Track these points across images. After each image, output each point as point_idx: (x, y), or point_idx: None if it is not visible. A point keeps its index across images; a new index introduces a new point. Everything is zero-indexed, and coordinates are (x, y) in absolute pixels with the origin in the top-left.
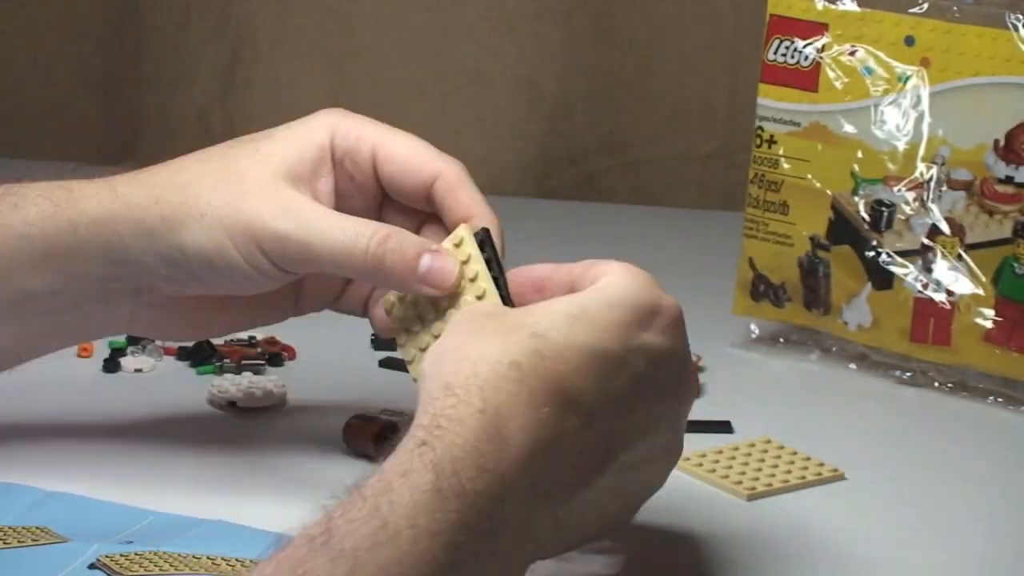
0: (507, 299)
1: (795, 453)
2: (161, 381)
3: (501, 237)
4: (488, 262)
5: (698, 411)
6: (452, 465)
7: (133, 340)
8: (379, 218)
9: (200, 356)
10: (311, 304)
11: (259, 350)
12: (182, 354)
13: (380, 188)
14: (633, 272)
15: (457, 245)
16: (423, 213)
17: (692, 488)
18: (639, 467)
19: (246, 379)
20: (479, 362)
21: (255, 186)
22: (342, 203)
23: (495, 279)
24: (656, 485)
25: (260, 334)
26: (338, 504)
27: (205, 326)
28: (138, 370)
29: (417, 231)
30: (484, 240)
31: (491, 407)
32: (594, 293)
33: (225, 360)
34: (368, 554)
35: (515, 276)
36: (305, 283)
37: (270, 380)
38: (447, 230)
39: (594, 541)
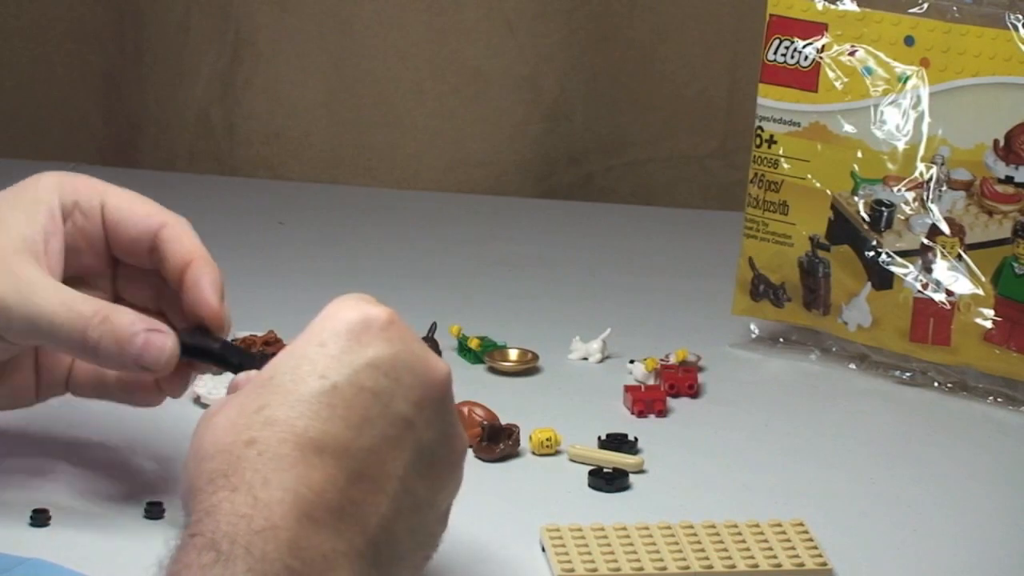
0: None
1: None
2: None
3: (219, 287)
4: (214, 353)
5: (698, 411)
6: (228, 539)
7: None
8: (113, 281)
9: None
10: (48, 387)
11: (255, 350)
12: None
13: (107, 244)
14: (339, 300)
15: None
16: (157, 277)
17: None
18: (427, 476)
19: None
20: (217, 454)
21: None
22: (73, 259)
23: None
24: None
25: (260, 331)
26: None
27: None
28: None
29: (154, 296)
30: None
31: (244, 485)
32: (306, 335)
33: None
34: None
35: None
36: (40, 362)
37: None
38: (174, 285)
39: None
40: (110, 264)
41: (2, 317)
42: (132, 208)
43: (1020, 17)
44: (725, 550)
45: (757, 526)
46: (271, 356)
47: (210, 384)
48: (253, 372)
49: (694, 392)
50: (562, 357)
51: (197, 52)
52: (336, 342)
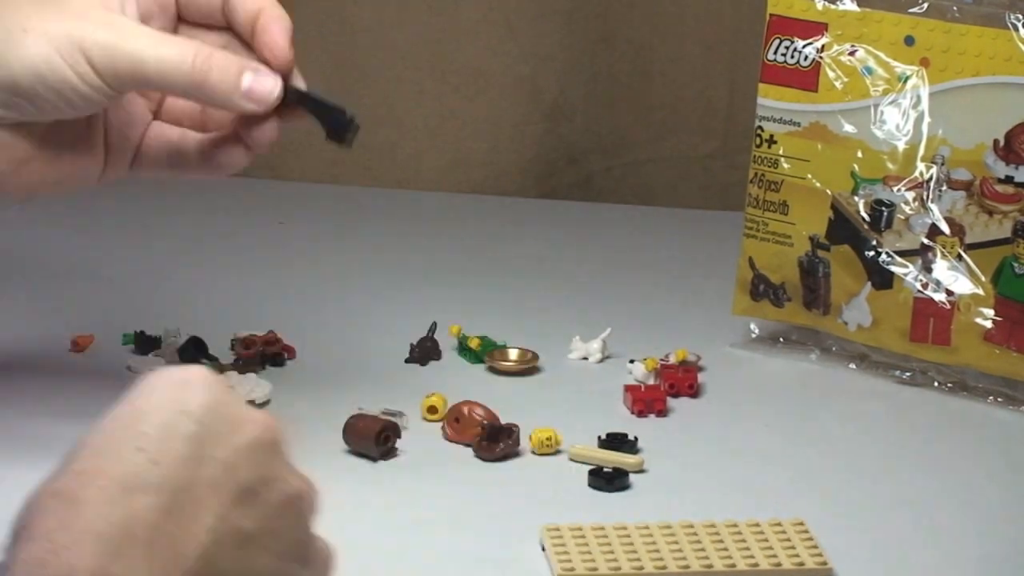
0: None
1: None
2: None
3: (290, 33)
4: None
5: (698, 411)
6: None
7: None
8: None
9: (187, 356)
10: (114, 164)
11: (256, 349)
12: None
13: (177, 5)
14: (153, 375)
15: None
16: (220, 34)
17: None
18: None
19: (231, 380)
20: (22, 514)
21: (74, 7)
22: (146, 23)
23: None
24: None
25: (260, 331)
26: None
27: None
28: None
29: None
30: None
31: (41, 533)
32: (124, 403)
33: (217, 360)
34: None
35: None
36: (112, 124)
37: (257, 383)
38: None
39: None
40: (175, 28)
41: (107, 58)
42: None
43: (1020, 17)
44: (725, 549)
45: (757, 525)
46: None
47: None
48: None
49: (694, 392)
50: (562, 357)
51: None
52: (151, 399)
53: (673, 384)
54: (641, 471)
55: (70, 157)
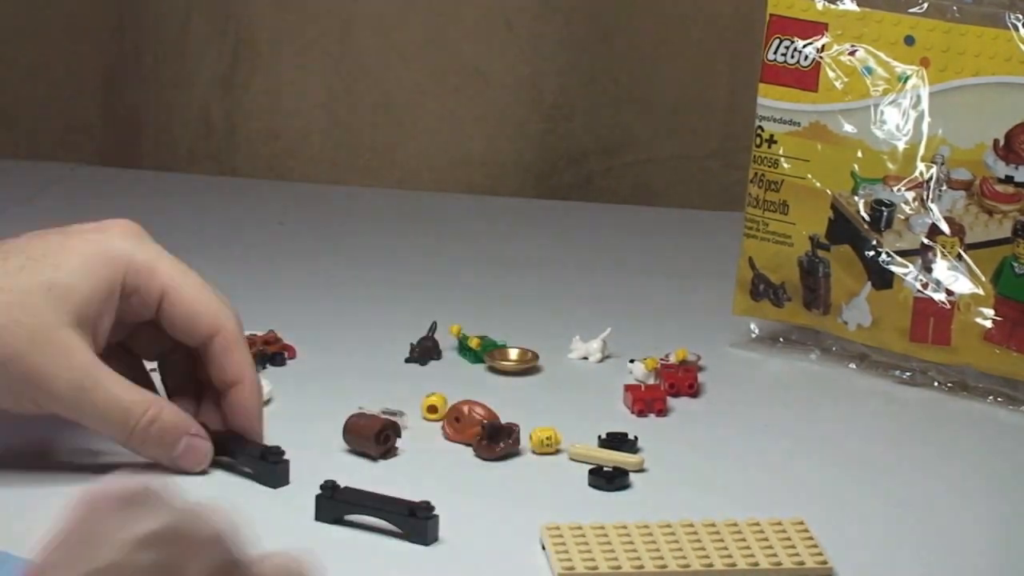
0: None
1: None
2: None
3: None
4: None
5: (698, 411)
6: None
7: None
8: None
9: None
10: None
11: (256, 349)
12: None
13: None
14: (90, 491)
15: None
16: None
17: None
18: None
19: None
20: None
21: (43, 334)
22: (114, 332)
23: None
24: None
25: (260, 331)
26: None
27: None
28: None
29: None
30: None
31: None
32: (67, 529)
33: None
34: None
35: None
36: None
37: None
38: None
39: None
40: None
41: (55, 406)
42: (189, 309)
43: (1020, 17)
44: (725, 548)
45: (757, 524)
46: (282, 462)
47: None
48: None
49: (694, 392)
50: (562, 357)
51: (197, 52)
52: (101, 527)
53: (673, 384)
54: (641, 470)
55: None
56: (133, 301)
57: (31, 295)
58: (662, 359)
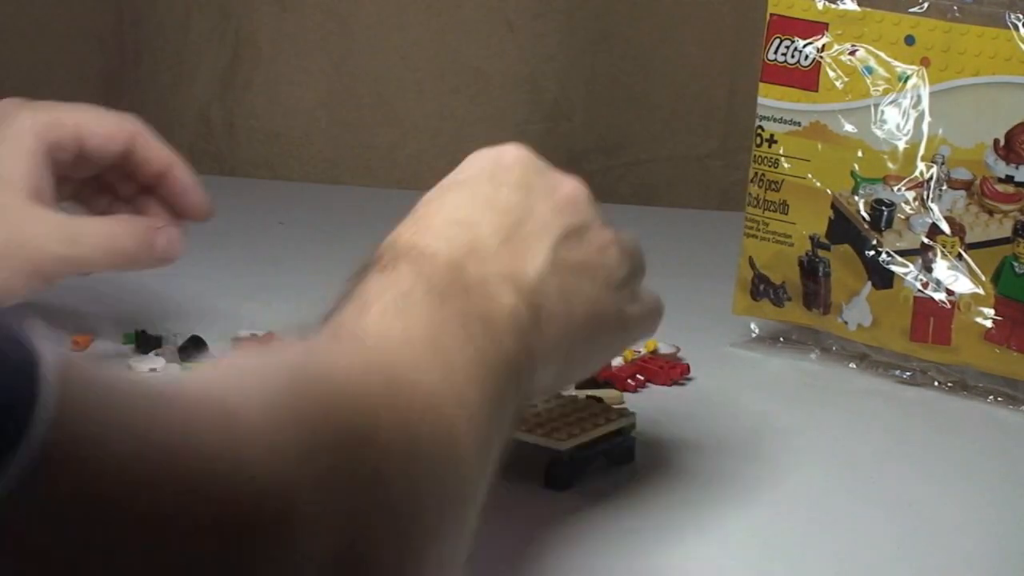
0: None
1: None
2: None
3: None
4: None
5: (698, 410)
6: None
7: (143, 341)
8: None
9: (187, 356)
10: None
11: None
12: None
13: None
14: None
15: None
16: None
17: None
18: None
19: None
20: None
21: (17, 214)
22: (57, 191)
23: None
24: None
25: (260, 331)
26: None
27: None
28: (152, 369)
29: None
30: None
31: (418, 225)
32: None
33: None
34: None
35: None
36: None
37: None
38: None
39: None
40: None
41: (61, 269)
42: (104, 131)
43: (1020, 17)
44: None
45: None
46: None
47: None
48: None
49: (679, 376)
50: None
51: (197, 52)
52: (472, 164)
53: (644, 372)
54: (632, 459)
55: None
56: (57, 155)
57: None
58: (636, 350)
